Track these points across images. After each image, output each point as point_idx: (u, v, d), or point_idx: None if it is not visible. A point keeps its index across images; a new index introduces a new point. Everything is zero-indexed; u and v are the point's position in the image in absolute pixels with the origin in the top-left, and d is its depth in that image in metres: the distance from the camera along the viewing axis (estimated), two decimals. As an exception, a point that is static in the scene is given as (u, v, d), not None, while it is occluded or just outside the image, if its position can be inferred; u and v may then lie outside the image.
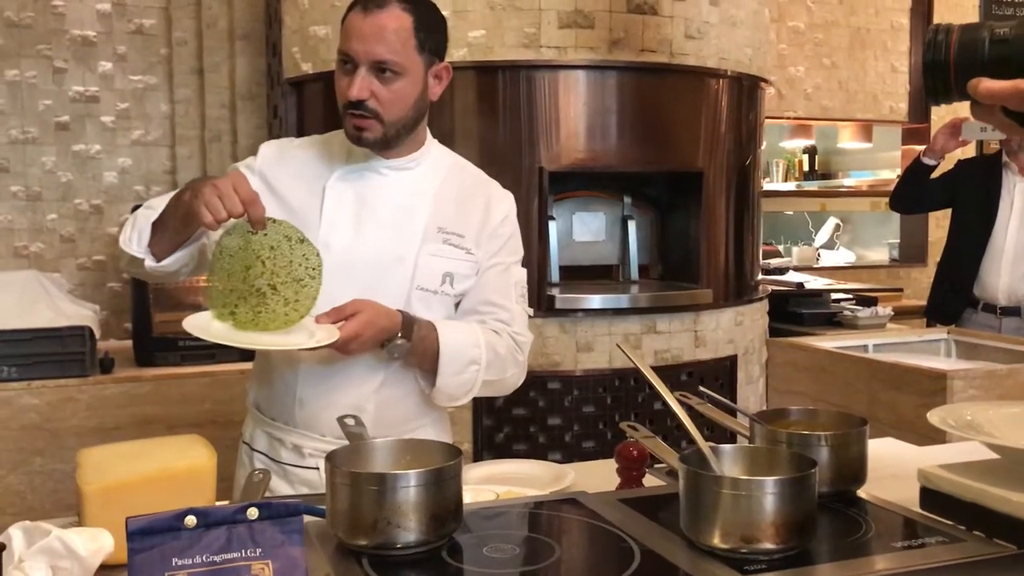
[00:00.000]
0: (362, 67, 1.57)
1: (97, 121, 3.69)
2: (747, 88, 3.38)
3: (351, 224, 1.64)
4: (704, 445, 1.13)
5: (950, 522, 1.17)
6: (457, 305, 1.73)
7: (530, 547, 1.07)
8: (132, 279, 3.21)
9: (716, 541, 1.03)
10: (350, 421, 1.27)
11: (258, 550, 0.84)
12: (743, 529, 1.02)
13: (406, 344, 1.58)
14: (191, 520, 0.82)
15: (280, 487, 1.69)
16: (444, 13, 2.95)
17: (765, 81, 3.53)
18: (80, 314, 3.03)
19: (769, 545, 1.02)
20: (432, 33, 1.63)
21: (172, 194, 1.60)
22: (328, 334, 1.50)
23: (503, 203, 1.78)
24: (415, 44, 1.59)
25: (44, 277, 3.20)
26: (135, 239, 1.58)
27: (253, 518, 0.85)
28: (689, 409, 1.44)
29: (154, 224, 1.57)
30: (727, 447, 1.16)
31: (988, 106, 1.04)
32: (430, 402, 1.72)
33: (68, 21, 3.62)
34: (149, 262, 1.58)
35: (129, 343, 3.25)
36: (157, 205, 1.60)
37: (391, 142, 1.65)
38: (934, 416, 1.28)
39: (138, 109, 3.74)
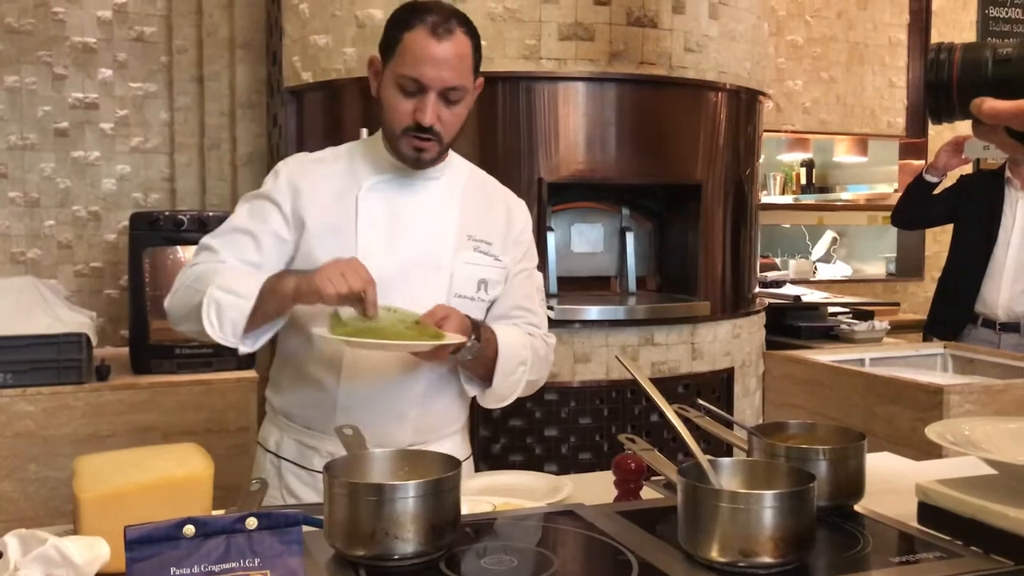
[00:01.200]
0: (432, 93, 1.58)
1: (96, 128, 3.69)
2: (745, 101, 3.39)
3: (386, 235, 1.66)
4: (702, 458, 1.13)
5: (948, 537, 1.17)
6: (487, 311, 1.76)
7: (528, 559, 1.07)
8: (130, 286, 3.21)
9: (714, 555, 1.03)
10: (348, 431, 1.27)
11: (256, 560, 0.83)
12: (741, 543, 1.02)
13: (478, 345, 1.59)
14: (190, 529, 0.82)
15: (306, 495, 1.69)
16: (445, 24, 2.98)
17: (763, 94, 3.54)
18: (77, 321, 3.02)
19: (768, 559, 1.02)
20: (479, 54, 1.67)
21: (243, 273, 1.59)
22: (449, 335, 1.53)
23: (521, 211, 1.84)
24: (472, 67, 1.64)
25: (41, 284, 3.19)
26: (229, 330, 1.53)
27: (252, 528, 0.84)
28: (686, 422, 1.44)
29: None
30: (725, 460, 1.16)
31: (991, 126, 1.04)
32: (462, 409, 1.80)
33: (69, 28, 3.63)
34: (244, 348, 1.57)
35: (126, 350, 3.24)
36: (234, 286, 1.54)
37: (440, 160, 1.69)
38: (932, 431, 1.28)
39: (137, 116, 3.74)
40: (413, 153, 1.63)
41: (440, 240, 1.69)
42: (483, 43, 2.91)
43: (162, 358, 3.12)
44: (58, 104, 3.63)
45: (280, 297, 1.52)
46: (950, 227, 5.49)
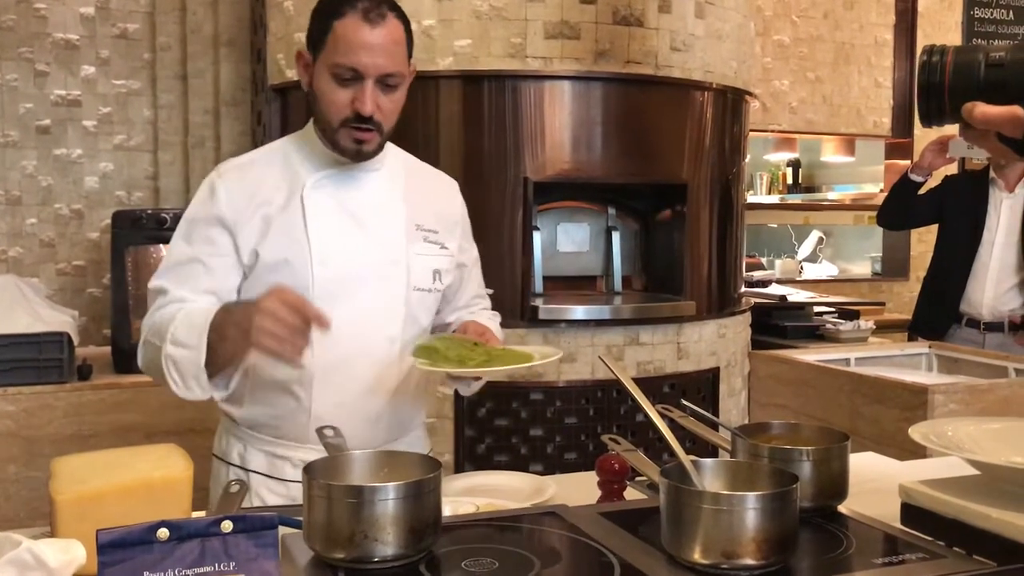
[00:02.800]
0: (370, 81, 1.54)
1: (79, 125, 3.66)
2: (732, 101, 3.39)
3: (339, 234, 1.62)
4: (685, 459, 1.12)
5: (931, 538, 1.16)
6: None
7: (509, 561, 1.06)
8: (112, 285, 3.18)
9: (697, 556, 1.03)
10: (329, 432, 1.25)
11: (232, 564, 0.82)
12: (724, 545, 1.01)
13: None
14: (163, 533, 0.80)
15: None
16: (430, 22, 2.98)
17: (750, 94, 3.54)
18: (58, 320, 2.99)
19: (750, 561, 1.01)
20: (411, 39, 1.63)
21: (192, 317, 1.51)
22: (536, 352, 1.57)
23: (455, 190, 1.84)
24: (407, 52, 1.60)
25: (22, 282, 3.16)
26: (194, 385, 1.49)
27: (227, 531, 0.83)
28: (671, 422, 1.44)
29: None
30: (708, 461, 1.15)
31: (982, 131, 1.03)
32: (424, 403, 1.81)
33: (51, 24, 3.59)
34: (219, 394, 1.54)
35: (108, 350, 3.22)
36: (182, 336, 1.48)
37: (380, 150, 1.64)
38: (916, 432, 1.27)
39: (121, 114, 3.71)
40: (353, 145, 1.58)
41: (392, 234, 1.66)
42: (468, 41, 2.95)
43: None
44: (40, 101, 3.60)
45: (231, 344, 1.45)
46: (935, 227, 5.52)
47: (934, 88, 1.05)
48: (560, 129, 3.04)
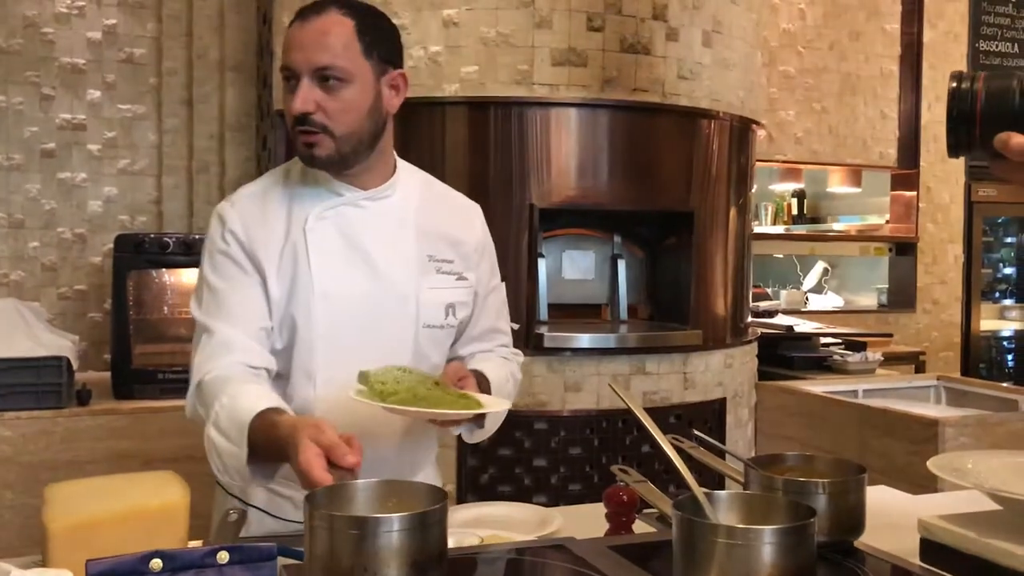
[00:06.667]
0: (304, 77, 1.46)
1: (84, 149, 3.65)
2: (738, 130, 3.38)
3: (343, 268, 1.55)
4: (698, 491, 1.09)
5: (951, 575, 1.13)
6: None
7: (516, 596, 1.02)
8: (113, 309, 3.16)
9: (711, 592, 0.99)
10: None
11: (227, 597, 0.79)
12: (739, 580, 0.97)
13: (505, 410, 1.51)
14: (156, 563, 0.77)
15: None
16: (437, 48, 2.97)
17: (756, 123, 3.53)
18: (58, 344, 2.96)
19: (766, 597, 0.97)
20: (379, 38, 1.53)
21: (237, 401, 1.40)
22: (486, 401, 1.45)
23: (478, 216, 1.73)
24: (360, 49, 1.48)
25: (23, 306, 3.14)
26: (236, 477, 1.41)
27: (223, 562, 0.80)
28: (680, 452, 1.40)
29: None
30: (722, 493, 1.12)
31: (1016, 163, 0.98)
32: (434, 441, 1.74)
33: (58, 48, 3.60)
34: (259, 483, 1.47)
35: (108, 375, 3.19)
36: (226, 426, 1.40)
37: (348, 160, 1.52)
38: (934, 465, 1.24)
39: (125, 138, 3.71)
40: (304, 150, 1.49)
41: (401, 268, 1.58)
42: (475, 68, 2.94)
43: (145, 383, 3.06)
44: (45, 125, 3.59)
45: (277, 452, 1.35)
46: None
47: (964, 117, 0.99)
48: (566, 156, 3.02)
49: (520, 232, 2.95)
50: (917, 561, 1.18)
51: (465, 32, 2.95)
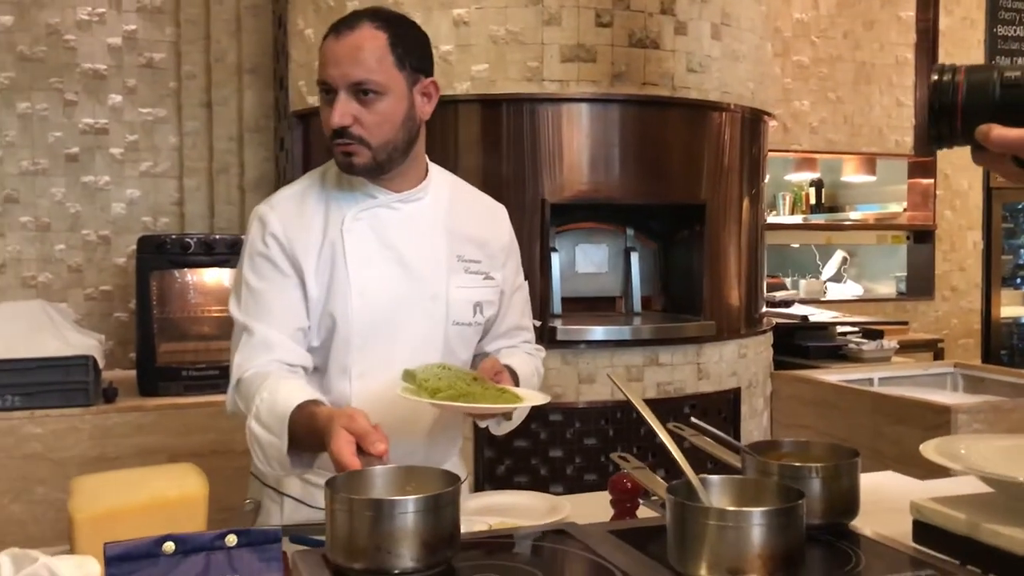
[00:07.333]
0: (341, 92, 1.52)
1: (106, 153, 3.73)
2: (749, 121, 3.40)
3: (378, 267, 1.62)
4: (693, 476, 1.13)
5: (943, 556, 1.16)
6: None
7: (515, 578, 1.07)
8: (137, 309, 3.23)
9: (703, 573, 1.03)
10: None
11: (236, 577, 0.84)
12: (730, 561, 1.01)
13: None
14: (169, 546, 0.82)
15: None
16: (447, 47, 3.02)
17: (768, 115, 3.54)
18: (85, 344, 3.04)
19: (756, 577, 1.01)
20: (411, 49, 1.58)
21: (277, 394, 1.47)
22: (526, 395, 1.51)
23: (503, 218, 1.80)
24: (393, 61, 1.54)
25: (50, 307, 3.22)
26: (277, 467, 1.48)
27: (232, 545, 0.85)
28: (681, 441, 1.44)
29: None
30: (716, 478, 1.16)
31: (996, 154, 1.00)
32: (460, 433, 1.81)
33: (80, 55, 3.68)
34: (298, 473, 1.53)
35: (134, 373, 3.26)
36: (268, 419, 1.46)
37: (384, 167, 1.59)
38: (927, 448, 1.27)
39: (147, 141, 3.78)
40: (344, 160, 1.56)
41: (432, 267, 1.65)
42: (486, 65, 2.98)
43: (169, 380, 3.14)
44: (69, 130, 3.68)
45: (309, 443, 1.43)
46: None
47: (946, 109, 1.02)
48: (577, 151, 3.06)
49: (533, 227, 2.99)
50: (910, 542, 1.21)
51: (475, 31, 3.00)
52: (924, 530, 1.22)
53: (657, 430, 1.18)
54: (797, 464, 1.25)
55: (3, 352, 2.90)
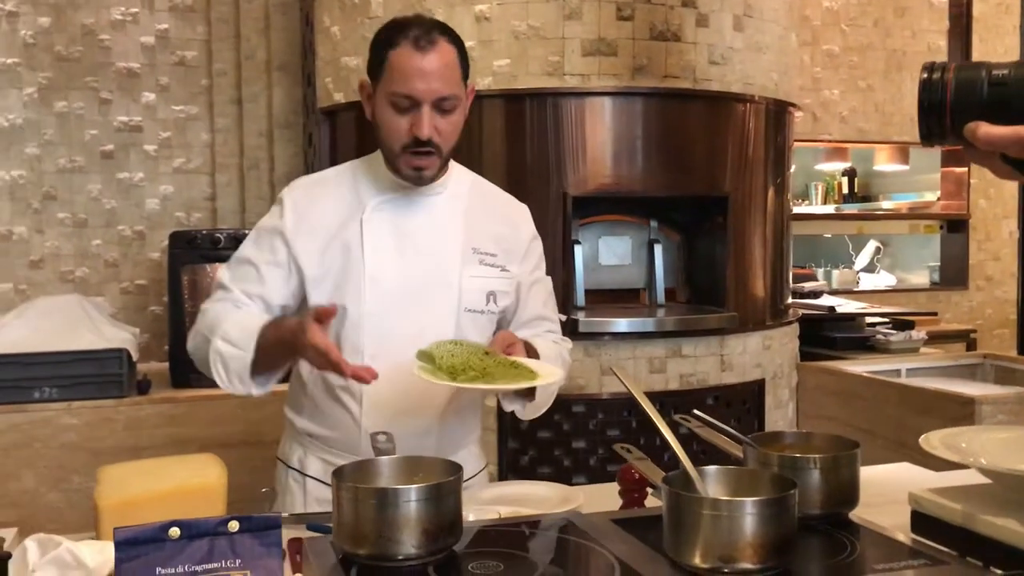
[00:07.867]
0: (426, 106, 1.60)
1: (140, 150, 3.82)
2: (773, 113, 3.39)
3: (394, 255, 1.69)
4: (690, 466, 1.15)
5: (940, 547, 1.17)
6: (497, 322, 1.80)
7: (513, 564, 1.10)
8: (170, 302, 3.31)
9: (697, 561, 1.05)
10: (381, 437, 1.31)
11: (238, 560, 0.88)
12: (723, 549, 1.04)
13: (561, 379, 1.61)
14: (175, 531, 0.87)
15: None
16: (470, 43, 3.04)
17: (793, 106, 3.53)
18: (119, 337, 3.12)
19: (748, 565, 1.04)
20: (465, 59, 1.68)
21: (244, 320, 1.64)
22: (542, 371, 1.55)
23: (525, 217, 1.86)
24: (461, 74, 1.66)
25: (87, 301, 3.31)
26: (237, 381, 1.63)
27: (234, 530, 0.89)
28: (690, 432, 1.47)
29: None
30: (712, 469, 1.18)
31: (985, 151, 1.02)
32: (478, 419, 1.87)
33: (114, 54, 3.76)
34: (256, 392, 1.66)
35: (167, 365, 3.34)
36: (234, 335, 1.61)
37: (441, 174, 1.71)
38: (928, 440, 1.28)
39: (180, 138, 3.86)
40: (413, 172, 1.66)
41: (447, 257, 1.71)
42: (507, 61, 3.01)
43: (200, 373, 3.20)
44: (104, 128, 3.77)
45: (284, 350, 1.59)
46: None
47: (935, 107, 1.03)
48: (600, 144, 3.08)
49: (556, 220, 3.01)
50: (909, 533, 1.22)
51: (497, 26, 3.03)
52: (922, 521, 1.24)
53: (656, 421, 1.21)
54: (796, 455, 1.27)
55: (40, 345, 2.99)
